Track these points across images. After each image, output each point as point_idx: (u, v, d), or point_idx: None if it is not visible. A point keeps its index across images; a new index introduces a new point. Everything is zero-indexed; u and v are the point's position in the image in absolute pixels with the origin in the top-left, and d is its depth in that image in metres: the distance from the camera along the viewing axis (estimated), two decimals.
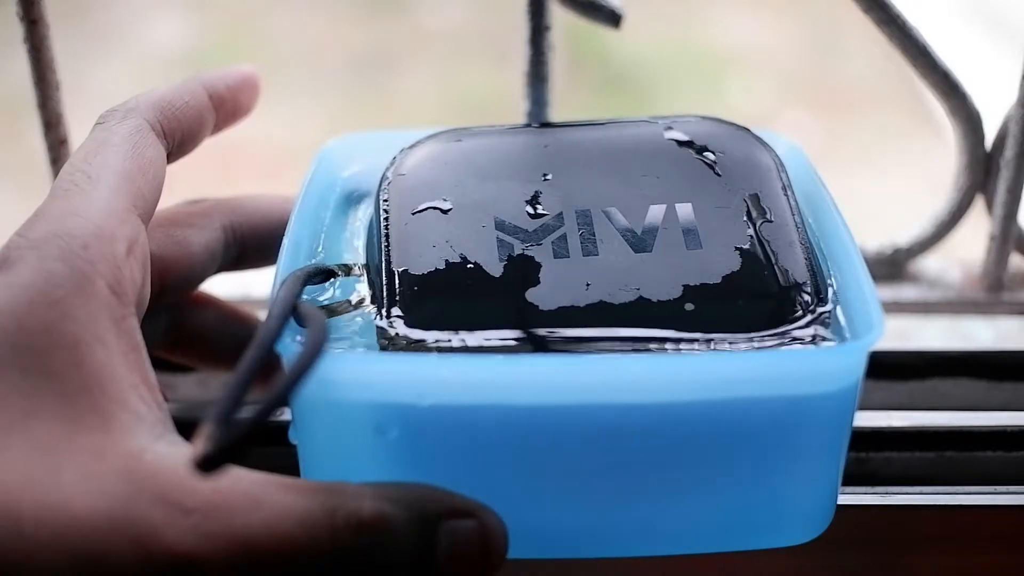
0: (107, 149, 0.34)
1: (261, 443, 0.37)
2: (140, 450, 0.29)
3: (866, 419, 0.42)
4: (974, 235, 0.50)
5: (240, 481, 0.29)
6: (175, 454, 0.30)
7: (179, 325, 0.41)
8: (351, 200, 0.39)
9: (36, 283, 0.30)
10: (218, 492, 0.29)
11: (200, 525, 0.28)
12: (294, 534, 0.29)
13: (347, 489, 0.30)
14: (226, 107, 0.38)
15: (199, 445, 0.27)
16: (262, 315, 0.44)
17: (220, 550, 0.28)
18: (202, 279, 0.39)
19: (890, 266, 0.50)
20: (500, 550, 0.31)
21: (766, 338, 0.32)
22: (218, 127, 0.38)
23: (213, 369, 0.45)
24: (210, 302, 0.41)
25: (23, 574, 0.28)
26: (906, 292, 0.49)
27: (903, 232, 0.50)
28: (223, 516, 0.28)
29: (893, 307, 0.49)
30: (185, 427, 0.31)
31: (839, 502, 0.35)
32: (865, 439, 0.42)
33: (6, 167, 1.60)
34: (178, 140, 0.36)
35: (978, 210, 0.48)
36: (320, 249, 0.37)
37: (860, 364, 0.32)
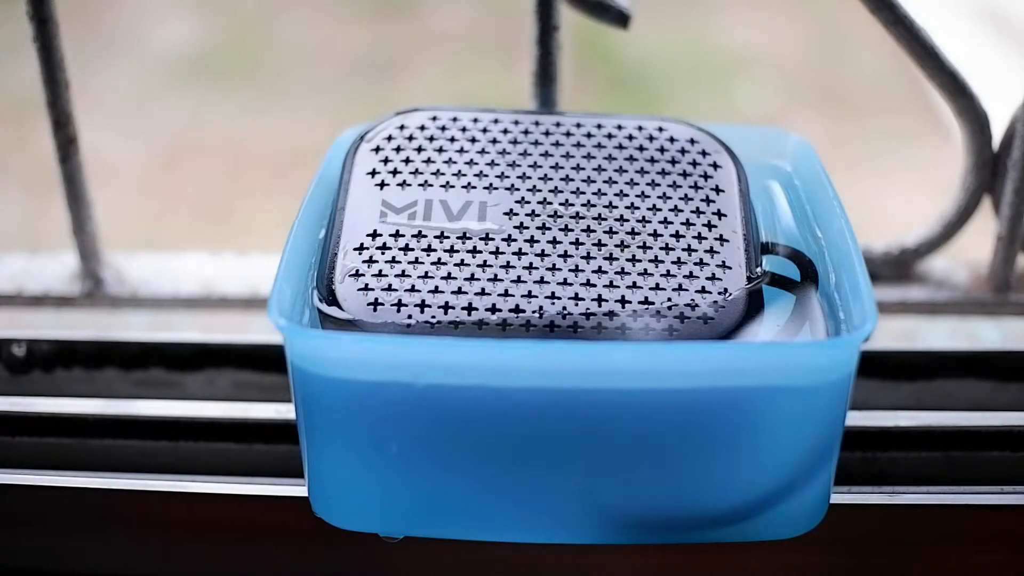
0: None
1: (266, 441, 0.37)
2: None
3: (873, 419, 0.42)
4: (981, 236, 0.50)
5: None
6: None
7: None
8: None
9: None
10: None
11: None
12: None
13: None
14: None
15: None
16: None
17: None
18: None
19: (897, 267, 0.50)
20: None
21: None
22: None
23: None
24: None
25: None
26: (913, 293, 0.49)
27: (910, 233, 0.50)
28: None
29: (900, 307, 0.49)
30: (187, 430, 0.31)
31: (846, 501, 0.35)
32: (872, 439, 0.42)
33: (10, 171, 1.60)
34: None
35: (985, 211, 0.49)
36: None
37: (850, 359, 0.33)
